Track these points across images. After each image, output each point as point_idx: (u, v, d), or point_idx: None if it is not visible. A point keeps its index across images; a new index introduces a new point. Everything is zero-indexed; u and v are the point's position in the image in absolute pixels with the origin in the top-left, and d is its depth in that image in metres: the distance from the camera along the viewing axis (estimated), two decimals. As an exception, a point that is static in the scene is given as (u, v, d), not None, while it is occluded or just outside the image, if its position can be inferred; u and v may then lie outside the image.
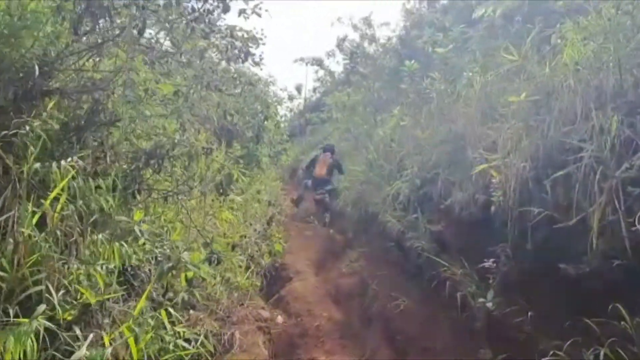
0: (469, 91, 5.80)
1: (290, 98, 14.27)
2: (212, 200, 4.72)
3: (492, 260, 3.61)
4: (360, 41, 12.22)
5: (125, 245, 2.88)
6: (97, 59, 3.75)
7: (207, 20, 3.34)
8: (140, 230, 3.00)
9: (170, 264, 2.93)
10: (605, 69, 3.16)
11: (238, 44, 3.84)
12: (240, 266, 4.55)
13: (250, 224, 6.22)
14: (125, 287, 3.37)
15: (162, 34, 3.74)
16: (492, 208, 3.86)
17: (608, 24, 3.22)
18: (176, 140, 3.94)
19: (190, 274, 3.06)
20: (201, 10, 3.27)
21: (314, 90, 28.96)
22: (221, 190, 4.14)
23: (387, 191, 6.57)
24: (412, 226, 5.49)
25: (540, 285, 3.27)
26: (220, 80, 4.31)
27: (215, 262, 4.08)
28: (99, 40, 3.56)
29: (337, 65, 18.31)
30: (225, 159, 4.91)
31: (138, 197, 3.79)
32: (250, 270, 4.75)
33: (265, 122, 10.48)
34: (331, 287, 5.98)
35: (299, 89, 29.43)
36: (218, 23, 3.56)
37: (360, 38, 12.25)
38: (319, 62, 23.42)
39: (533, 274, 3.32)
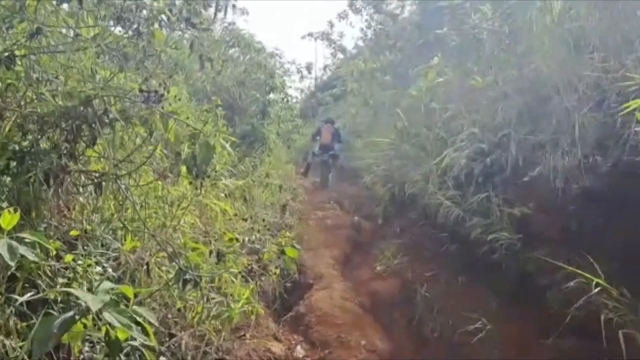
0: (544, 19, 4.18)
1: (299, 71, 12.56)
2: (191, 184, 3.20)
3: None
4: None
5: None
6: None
7: None
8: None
9: (61, 318, 1.43)
10: None
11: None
12: (234, 281, 3.06)
13: (251, 218, 4.70)
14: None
15: None
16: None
17: None
18: (116, 93, 2.43)
19: (123, 334, 1.56)
20: None
21: (325, 68, 27.28)
22: (195, 171, 2.63)
23: (430, 165, 5.01)
24: (477, 210, 3.91)
25: None
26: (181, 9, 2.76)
27: (192, 282, 2.58)
28: None
29: (350, 28, 16.33)
30: (203, 122, 3.34)
31: (50, 183, 2.30)
32: (252, 284, 3.24)
33: (271, 95, 8.93)
34: (365, 296, 4.45)
35: (309, 67, 27.63)
36: None
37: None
38: (328, 36, 21.70)
39: None
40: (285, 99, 10.23)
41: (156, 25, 2.95)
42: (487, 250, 3.67)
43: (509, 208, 3.53)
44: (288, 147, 13.09)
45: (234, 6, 10.28)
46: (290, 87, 11.46)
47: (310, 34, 23.08)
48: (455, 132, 4.71)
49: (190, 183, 3.00)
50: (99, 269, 2.37)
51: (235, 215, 4.21)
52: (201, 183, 2.80)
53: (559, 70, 3.70)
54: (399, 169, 6.13)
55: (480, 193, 3.94)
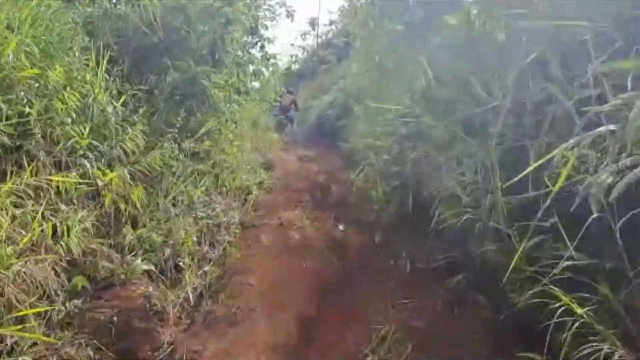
0: None
1: (289, 15, 9.20)
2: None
3: None
4: None
5: None
6: None
7: None
8: None
9: None
10: None
11: None
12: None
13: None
14: None
15: None
16: None
17: None
18: None
19: None
20: None
21: (330, 23, 23.92)
22: None
23: (494, 166, 2.24)
24: None
25: None
26: None
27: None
28: None
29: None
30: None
31: None
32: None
33: (230, 30, 5.91)
34: None
35: (312, 23, 24.53)
36: None
37: None
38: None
39: None
40: (259, 43, 7.28)
41: None
42: None
43: None
44: (266, 110, 10.21)
45: None
46: (272, 40, 8.09)
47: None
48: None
49: None
50: None
51: None
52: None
53: None
54: (416, 162, 3.35)
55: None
